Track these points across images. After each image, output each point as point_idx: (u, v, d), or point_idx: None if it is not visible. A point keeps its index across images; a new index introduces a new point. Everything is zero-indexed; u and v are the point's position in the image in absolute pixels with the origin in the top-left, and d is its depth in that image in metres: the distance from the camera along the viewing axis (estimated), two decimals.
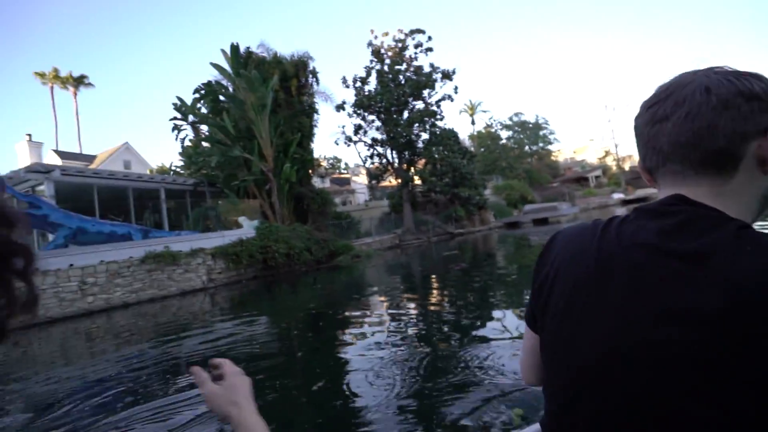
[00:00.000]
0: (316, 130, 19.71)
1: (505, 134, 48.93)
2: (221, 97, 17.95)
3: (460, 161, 25.50)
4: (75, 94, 35.00)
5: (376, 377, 3.46)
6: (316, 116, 19.64)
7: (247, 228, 15.06)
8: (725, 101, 0.50)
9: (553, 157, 52.81)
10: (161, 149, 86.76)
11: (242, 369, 0.67)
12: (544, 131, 49.86)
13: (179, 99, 19.19)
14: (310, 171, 19.67)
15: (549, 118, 67.13)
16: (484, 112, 73.55)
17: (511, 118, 49.75)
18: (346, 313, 6.99)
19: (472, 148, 37.18)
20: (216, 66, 16.52)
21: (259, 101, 15.93)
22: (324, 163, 40.77)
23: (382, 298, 8.16)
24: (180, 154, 21.56)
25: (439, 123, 25.84)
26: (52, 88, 34.72)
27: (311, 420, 3.02)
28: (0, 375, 5.59)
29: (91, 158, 29.06)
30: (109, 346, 7.00)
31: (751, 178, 0.51)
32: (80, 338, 8.16)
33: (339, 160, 49.81)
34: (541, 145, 49.85)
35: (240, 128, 17.51)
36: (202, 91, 17.97)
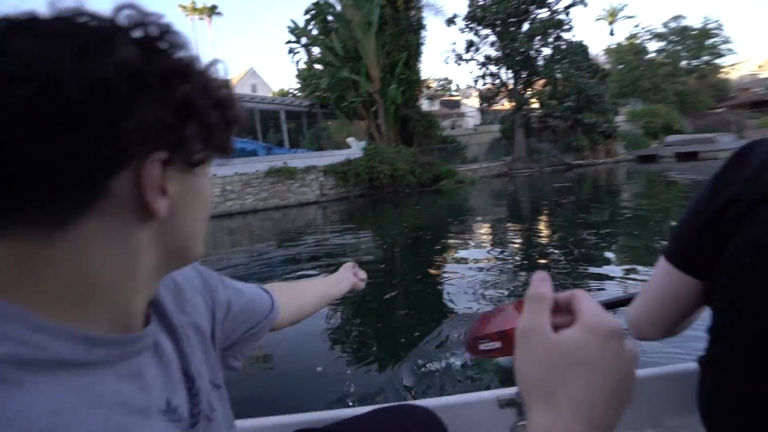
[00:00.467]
0: (423, 49, 18.69)
1: (654, 46, 39.65)
2: (330, 17, 17.91)
3: (588, 81, 21.96)
4: (209, 23, 38.58)
5: (474, 296, 3.45)
6: (423, 33, 18.49)
7: (355, 148, 15.73)
8: None
9: (722, 74, 41.41)
10: (282, 73, 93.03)
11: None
12: (714, 40, 38.91)
13: (293, 22, 19.75)
14: (417, 92, 19.09)
15: (724, 22, 51.42)
16: (629, 18, 60.05)
17: (666, 25, 39.76)
18: (446, 235, 7.05)
19: (608, 66, 31.39)
20: None
21: (364, 19, 15.49)
22: (433, 85, 39.02)
23: (482, 225, 8.04)
24: (296, 76, 22.78)
25: (565, 35, 22.14)
26: (191, 19, 38.74)
27: (407, 329, 3.03)
28: None
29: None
30: (245, 241, 8.46)
31: None
32: (224, 234, 9.89)
33: (449, 82, 47.24)
34: (706, 58, 39.30)
35: (348, 49, 17.51)
36: (312, 12, 18.11)
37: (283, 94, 29.16)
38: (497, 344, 0.51)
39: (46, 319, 0.27)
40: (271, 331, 0.63)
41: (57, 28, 0.26)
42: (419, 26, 18.50)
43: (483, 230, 7.55)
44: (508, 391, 0.86)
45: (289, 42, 20.96)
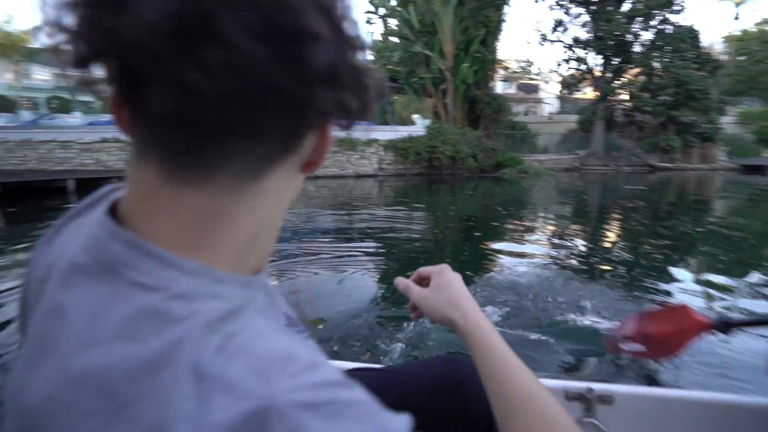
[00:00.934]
0: (504, 27, 17.60)
1: None
2: None
3: (692, 74, 19.34)
4: None
5: (516, 293, 3.15)
6: (506, 9, 17.36)
7: (419, 126, 15.56)
8: None
9: None
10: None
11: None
12: None
13: None
14: (491, 73, 18.20)
15: None
16: None
17: None
18: (500, 225, 6.77)
19: (725, 57, 27.21)
20: None
21: None
22: (512, 65, 36.90)
23: (540, 220, 7.58)
24: (371, 48, 22.70)
25: (673, 17, 19.53)
26: None
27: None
28: None
29: None
30: (299, 203, 8.86)
31: None
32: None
33: (530, 64, 44.47)
34: None
35: (425, 22, 17.02)
36: None
37: None
38: (640, 347, 0.51)
39: (217, 268, 0.28)
40: None
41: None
42: (502, 2, 17.41)
43: (540, 225, 7.05)
44: (578, 385, 0.85)
45: (367, 12, 20.87)
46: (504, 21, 17.72)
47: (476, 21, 16.51)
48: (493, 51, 17.58)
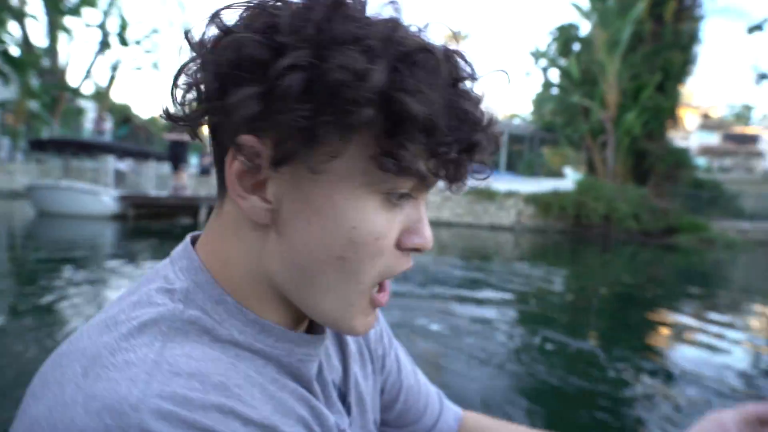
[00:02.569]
0: (692, 68, 15.04)
1: None
2: (574, 39, 16.84)
3: None
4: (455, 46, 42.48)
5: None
6: (697, 48, 14.84)
7: (571, 179, 14.40)
8: None
9: None
10: (518, 96, 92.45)
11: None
12: None
13: (537, 47, 19.58)
14: (669, 121, 15.59)
15: None
16: None
17: None
18: (674, 307, 5.02)
19: None
20: (574, 5, 15.42)
21: (611, 38, 13.81)
22: (712, 112, 30.60)
23: (733, 303, 5.47)
24: (533, 101, 22.45)
25: None
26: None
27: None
28: None
29: None
30: (433, 248, 9.23)
31: None
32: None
33: (749, 109, 36.05)
34: None
35: (590, 72, 16.04)
36: (555, 36, 17.46)
37: (512, 116, 29.22)
38: None
39: (227, 289, 0.30)
40: None
41: (374, 46, 0.27)
42: (691, 41, 15.03)
43: (732, 311, 5.05)
44: None
45: (529, 65, 20.94)
46: (691, 62, 15.20)
47: (650, 66, 14.67)
48: (674, 97, 15.14)
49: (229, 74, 0.27)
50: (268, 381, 0.30)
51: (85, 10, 18.24)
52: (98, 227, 8.29)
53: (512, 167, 22.08)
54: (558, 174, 15.89)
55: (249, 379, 0.28)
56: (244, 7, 0.29)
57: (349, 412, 0.39)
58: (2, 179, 15.56)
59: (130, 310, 0.28)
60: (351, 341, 0.43)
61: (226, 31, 0.29)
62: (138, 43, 19.54)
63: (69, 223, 8.67)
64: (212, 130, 0.31)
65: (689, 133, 26.02)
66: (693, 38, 14.96)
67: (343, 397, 0.39)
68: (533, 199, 13.97)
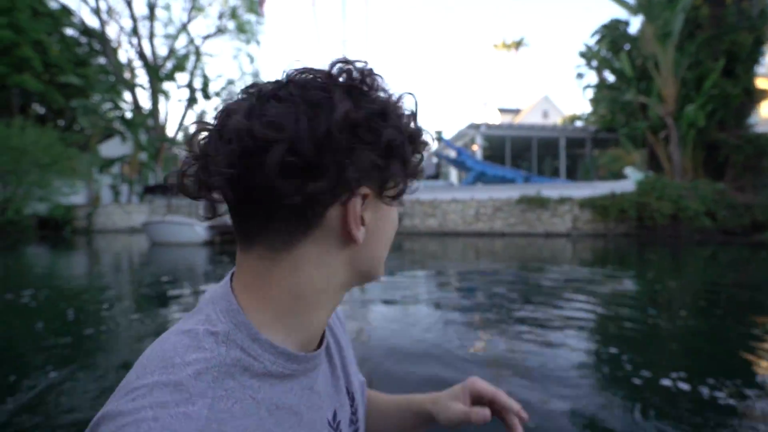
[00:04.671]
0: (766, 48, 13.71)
1: None
2: (621, 36, 16.25)
3: None
4: (515, 57, 41.86)
5: None
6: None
7: (631, 180, 13.81)
8: None
9: None
10: (577, 98, 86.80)
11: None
12: None
13: (586, 46, 19.13)
14: (746, 107, 14.24)
15: None
16: None
17: None
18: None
19: None
20: (618, 0, 15.00)
21: (660, 30, 13.24)
22: None
23: None
24: (590, 101, 21.73)
25: None
26: (501, 55, 43.29)
27: None
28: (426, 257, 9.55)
29: (518, 111, 34.74)
30: (486, 259, 9.29)
31: None
32: (471, 250, 11.30)
33: None
34: None
35: (644, 67, 15.38)
36: (600, 35, 17.00)
37: (573, 119, 28.13)
38: None
39: (260, 328, 0.36)
40: None
41: (293, 94, 0.34)
42: (763, 18, 13.77)
43: None
44: None
45: (579, 66, 20.48)
46: (764, 40, 13.87)
47: (712, 52, 13.70)
48: (746, 81, 13.88)
49: (356, 141, 0.34)
50: (297, 398, 0.38)
51: (177, 75, 21.89)
52: (193, 252, 10.17)
53: (572, 173, 21.35)
54: (620, 176, 15.26)
55: (277, 413, 0.35)
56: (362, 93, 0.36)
57: (353, 400, 0.48)
58: (124, 218, 19.19)
59: (184, 352, 0.33)
60: (344, 345, 0.52)
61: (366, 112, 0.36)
62: (217, 94, 22.87)
63: (172, 250, 10.73)
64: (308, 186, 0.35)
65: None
66: (765, 15, 13.68)
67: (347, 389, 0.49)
68: (589, 204, 13.63)
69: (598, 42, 17.63)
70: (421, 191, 15.72)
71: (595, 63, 18.82)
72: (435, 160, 20.89)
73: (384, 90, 0.38)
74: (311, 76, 0.36)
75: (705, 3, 13.73)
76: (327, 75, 0.36)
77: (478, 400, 0.53)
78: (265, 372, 0.35)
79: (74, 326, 3.94)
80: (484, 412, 0.51)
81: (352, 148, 0.34)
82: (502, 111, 34.93)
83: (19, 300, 4.96)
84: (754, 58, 13.85)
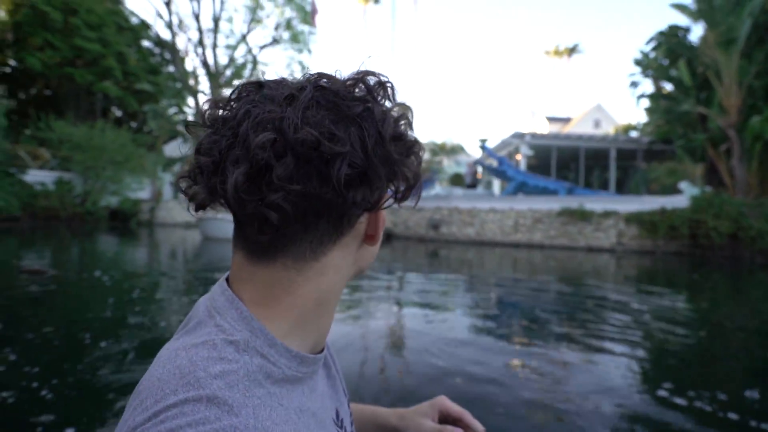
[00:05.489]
0: None
1: None
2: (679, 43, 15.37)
3: None
4: (568, 63, 40.45)
5: None
6: None
7: (687, 195, 13.02)
8: None
9: None
10: (632, 107, 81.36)
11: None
12: None
13: (642, 53, 18.27)
14: None
15: None
16: None
17: None
18: None
19: None
20: (677, 6, 14.24)
21: (722, 36, 12.42)
22: None
23: None
24: (646, 111, 20.66)
25: None
26: (552, 61, 41.99)
27: None
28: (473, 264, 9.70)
29: (568, 120, 33.49)
30: (524, 271, 9.18)
31: None
32: (509, 259, 11.25)
33: None
34: None
35: (703, 75, 14.46)
36: (656, 42, 16.17)
37: (626, 129, 26.73)
38: None
39: (275, 333, 0.35)
40: None
41: (335, 103, 0.34)
42: None
43: None
44: None
45: (633, 74, 19.55)
46: None
47: None
48: None
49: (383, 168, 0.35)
50: (309, 401, 0.38)
51: (235, 81, 23.51)
52: None
53: (622, 186, 20.30)
54: (674, 190, 14.39)
55: (303, 417, 0.35)
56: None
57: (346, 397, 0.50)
58: (181, 213, 20.92)
59: (206, 365, 0.31)
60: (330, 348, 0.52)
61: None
62: None
63: (222, 244, 11.67)
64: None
65: None
66: None
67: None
68: (636, 219, 13.00)
69: (654, 49, 16.78)
70: (459, 200, 15.81)
71: (650, 71, 17.91)
72: (477, 168, 20.74)
73: (397, 100, 0.39)
74: (341, 84, 0.36)
75: None
76: (358, 84, 0.37)
77: (444, 419, 0.57)
78: (283, 377, 0.35)
79: (139, 302, 4.61)
80: (458, 431, 0.53)
81: (396, 159, 0.36)
82: (551, 120, 33.85)
83: (96, 278, 5.80)
84: None
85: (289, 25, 23.94)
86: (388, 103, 0.38)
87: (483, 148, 17.80)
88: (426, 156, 35.90)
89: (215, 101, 0.37)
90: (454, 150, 34.74)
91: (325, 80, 0.36)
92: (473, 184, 19.60)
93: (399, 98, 0.39)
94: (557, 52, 41.20)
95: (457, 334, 3.74)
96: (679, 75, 15.11)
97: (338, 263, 0.38)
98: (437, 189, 20.89)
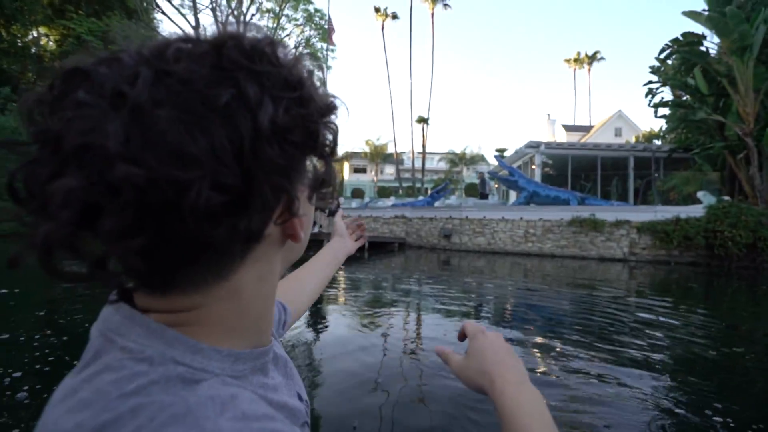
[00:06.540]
0: None
1: None
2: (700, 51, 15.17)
3: None
4: (589, 71, 39.95)
5: None
6: None
7: (702, 205, 12.78)
8: None
9: None
10: (650, 116, 78.48)
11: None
12: None
13: (658, 60, 18.06)
14: None
15: None
16: None
17: None
18: None
19: None
20: (689, 13, 14.11)
21: (734, 44, 12.25)
22: None
23: None
24: (665, 119, 20.28)
25: None
26: (574, 70, 41.59)
27: None
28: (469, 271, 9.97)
29: (588, 129, 32.99)
30: (535, 280, 9.33)
31: None
32: (519, 269, 11.36)
33: None
34: None
35: (718, 84, 14.23)
36: (668, 50, 15.99)
37: (649, 137, 26.17)
38: None
39: (206, 341, 0.30)
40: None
41: (185, 97, 0.24)
42: None
43: None
44: None
45: (649, 83, 19.31)
46: None
47: None
48: None
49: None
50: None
51: None
52: None
53: (641, 197, 19.87)
54: (694, 200, 14.10)
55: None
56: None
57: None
58: None
59: (116, 386, 0.25)
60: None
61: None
62: None
63: None
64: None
65: None
66: None
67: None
68: (649, 228, 12.84)
69: (669, 56, 16.60)
70: (470, 210, 15.98)
71: (666, 79, 17.68)
72: (487, 178, 20.85)
73: (286, 60, 0.29)
74: (191, 61, 0.25)
75: None
76: (218, 57, 0.25)
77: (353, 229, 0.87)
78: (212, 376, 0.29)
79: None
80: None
81: (288, 160, 0.27)
82: (569, 129, 33.44)
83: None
84: None
85: (308, 43, 24.99)
86: (274, 70, 0.27)
87: (496, 158, 17.95)
88: (445, 166, 35.98)
89: (40, 100, 0.25)
90: (474, 160, 34.85)
91: (171, 56, 0.25)
92: (485, 194, 19.70)
93: (284, 58, 0.29)
94: (578, 60, 40.82)
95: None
96: (694, 83, 14.91)
97: (259, 272, 0.32)
98: (452, 199, 21.10)
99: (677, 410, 2.63)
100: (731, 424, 2.41)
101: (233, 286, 0.31)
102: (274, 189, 0.27)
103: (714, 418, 2.49)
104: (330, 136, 0.32)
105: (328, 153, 0.32)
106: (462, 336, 0.51)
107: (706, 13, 13.61)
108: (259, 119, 0.25)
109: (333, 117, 0.32)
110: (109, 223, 0.23)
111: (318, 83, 0.31)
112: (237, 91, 0.25)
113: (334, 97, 0.32)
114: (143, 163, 0.22)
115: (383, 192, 28.10)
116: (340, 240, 0.84)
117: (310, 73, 0.31)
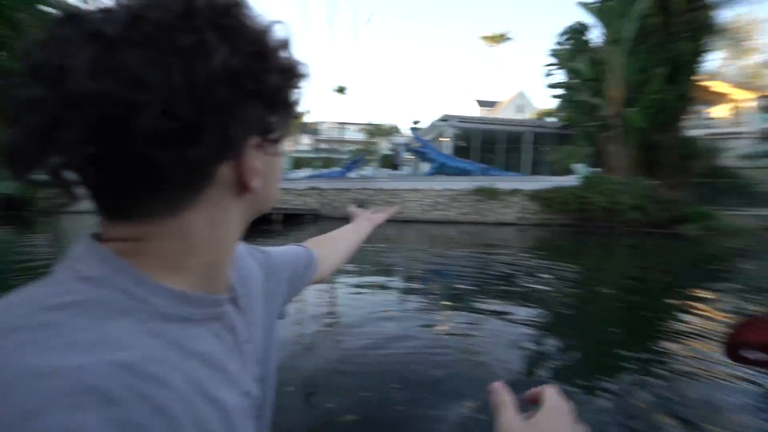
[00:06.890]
0: (710, 55, 14.77)
1: None
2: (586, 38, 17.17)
3: None
4: (499, 49, 42.45)
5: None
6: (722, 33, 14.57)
7: (581, 176, 14.85)
8: None
9: None
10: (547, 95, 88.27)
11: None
12: None
13: (557, 44, 19.94)
14: (684, 112, 15.35)
15: None
16: None
17: None
18: (685, 301, 4.46)
19: None
20: (581, 4, 15.81)
21: (612, 36, 14.16)
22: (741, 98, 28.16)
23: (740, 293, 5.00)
24: (556, 98, 22.58)
25: None
26: (486, 47, 43.85)
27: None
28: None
29: (494, 105, 35.56)
30: (441, 245, 10.08)
31: None
32: (425, 235, 12.08)
33: None
34: None
35: (602, 69, 16.33)
36: (567, 36, 17.83)
37: (542, 115, 29.08)
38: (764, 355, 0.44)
39: (148, 275, 0.31)
40: (315, 284, 0.65)
41: (152, 37, 0.27)
42: (702, 29, 14.73)
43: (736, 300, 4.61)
44: None
45: (548, 65, 21.31)
46: (704, 51, 14.89)
47: (656, 58, 14.69)
48: (686, 87, 14.94)
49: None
50: (208, 346, 0.33)
51: None
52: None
53: (537, 167, 22.34)
54: (571, 172, 16.30)
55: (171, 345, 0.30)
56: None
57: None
58: None
59: (47, 298, 0.27)
60: (242, 299, 0.44)
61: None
62: None
63: None
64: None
65: (740, 118, 24.04)
66: (704, 27, 14.67)
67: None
68: (536, 196, 14.66)
69: (563, 43, 18.49)
70: (383, 180, 16.58)
71: (560, 63, 19.71)
72: (401, 150, 21.63)
73: (253, 20, 0.32)
74: (164, 11, 0.28)
75: (660, 12, 14.63)
76: (188, 10, 0.29)
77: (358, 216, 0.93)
78: (158, 313, 0.31)
79: None
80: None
81: (237, 102, 0.30)
82: (481, 103, 35.69)
83: None
84: (692, 67, 14.90)
85: None
86: (248, 29, 0.31)
87: (411, 130, 18.64)
88: (363, 137, 36.30)
89: (36, 39, 0.28)
90: (390, 132, 35.48)
91: (150, 5, 0.29)
92: (396, 166, 20.50)
93: (250, 16, 0.32)
94: (492, 38, 43.00)
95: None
96: (578, 67, 16.87)
97: (211, 216, 0.33)
98: (367, 170, 21.53)
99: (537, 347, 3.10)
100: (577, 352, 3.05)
101: (184, 224, 0.32)
102: (221, 126, 0.29)
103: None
104: (287, 92, 0.34)
105: (282, 107, 0.34)
106: (534, 400, 0.43)
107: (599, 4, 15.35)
108: (213, 61, 0.28)
109: (295, 78, 0.34)
110: (68, 133, 0.26)
111: (287, 50, 0.34)
112: (199, 37, 0.28)
113: (301, 63, 0.35)
114: (103, 83, 0.26)
115: (299, 162, 27.49)
116: (359, 219, 0.95)
117: (282, 41, 0.33)
